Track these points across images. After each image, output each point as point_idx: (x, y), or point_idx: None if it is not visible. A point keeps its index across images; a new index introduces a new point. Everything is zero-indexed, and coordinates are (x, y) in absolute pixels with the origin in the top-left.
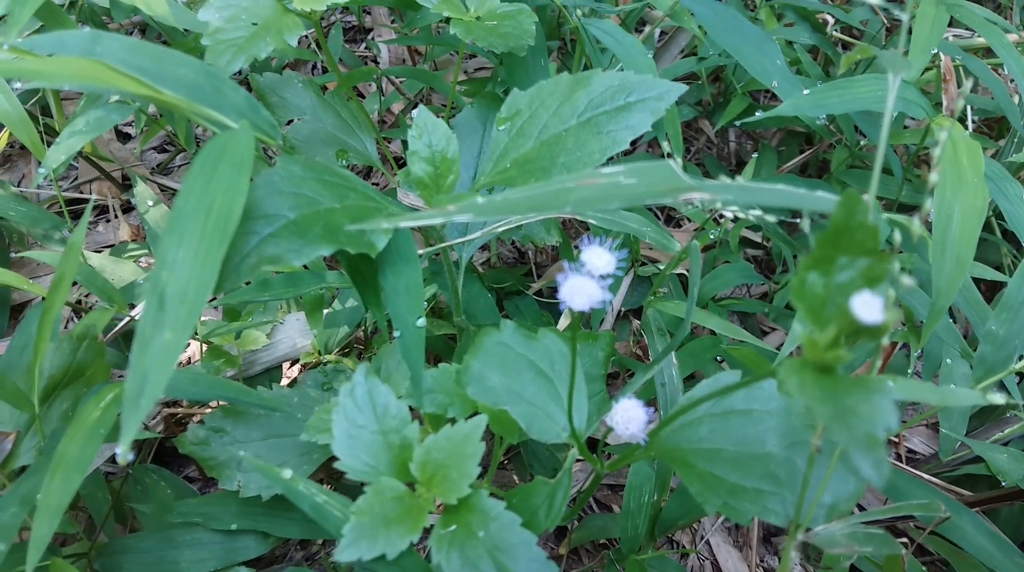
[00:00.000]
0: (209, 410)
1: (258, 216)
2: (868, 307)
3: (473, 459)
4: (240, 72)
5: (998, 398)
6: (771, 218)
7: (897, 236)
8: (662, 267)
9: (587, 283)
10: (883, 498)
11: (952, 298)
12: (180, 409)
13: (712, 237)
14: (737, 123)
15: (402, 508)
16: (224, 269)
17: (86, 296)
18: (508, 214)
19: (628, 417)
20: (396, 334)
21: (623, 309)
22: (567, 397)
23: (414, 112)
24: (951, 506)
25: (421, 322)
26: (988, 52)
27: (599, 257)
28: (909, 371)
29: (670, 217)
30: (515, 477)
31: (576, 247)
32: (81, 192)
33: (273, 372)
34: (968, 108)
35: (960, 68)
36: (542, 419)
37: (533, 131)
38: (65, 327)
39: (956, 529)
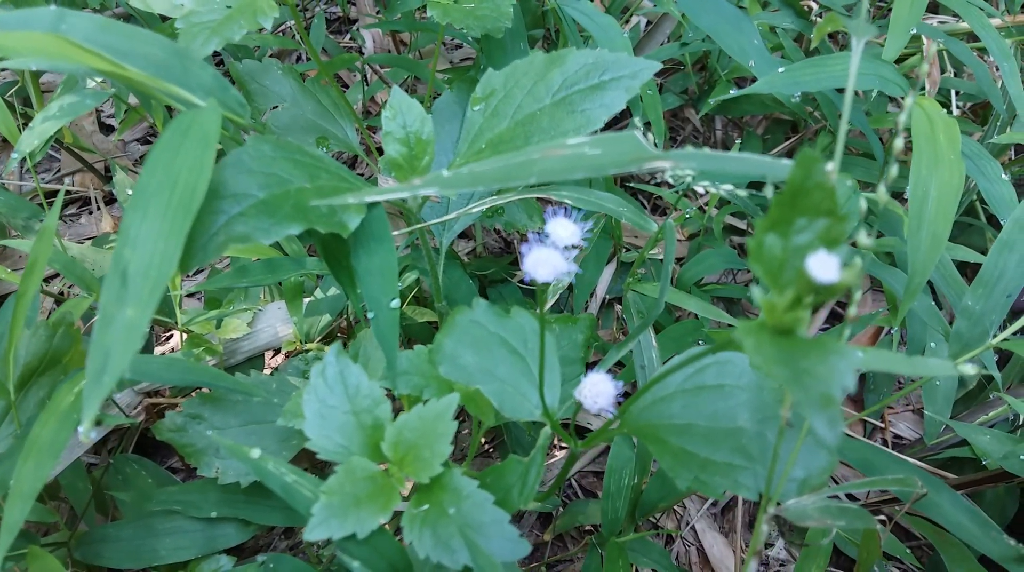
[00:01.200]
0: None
1: (226, 195)
2: (823, 266)
3: (445, 438)
4: (222, 63)
5: (969, 369)
6: (742, 192)
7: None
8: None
9: (552, 254)
10: (862, 477)
11: (928, 275)
12: (162, 399)
13: (688, 215)
14: (711, 101)
15: (374, 487)
16: (191, 247)
17: (69, 287)
18: (473, 186)
19: (596, 391)
20: (370, 316)
21: (607, 297)
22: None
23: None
24: (930, 484)
25: (395, 303)
26: (972, 37)
27: (564, 228)
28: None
29: (656, 206)
30: (498, 462)
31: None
32: (63, 184)
33: (255, 361)
34: (953, 93)
35: (944, 53)
36: (514, 397)
37: (508, 111)
38: (47, 318)
39: (935, 507)
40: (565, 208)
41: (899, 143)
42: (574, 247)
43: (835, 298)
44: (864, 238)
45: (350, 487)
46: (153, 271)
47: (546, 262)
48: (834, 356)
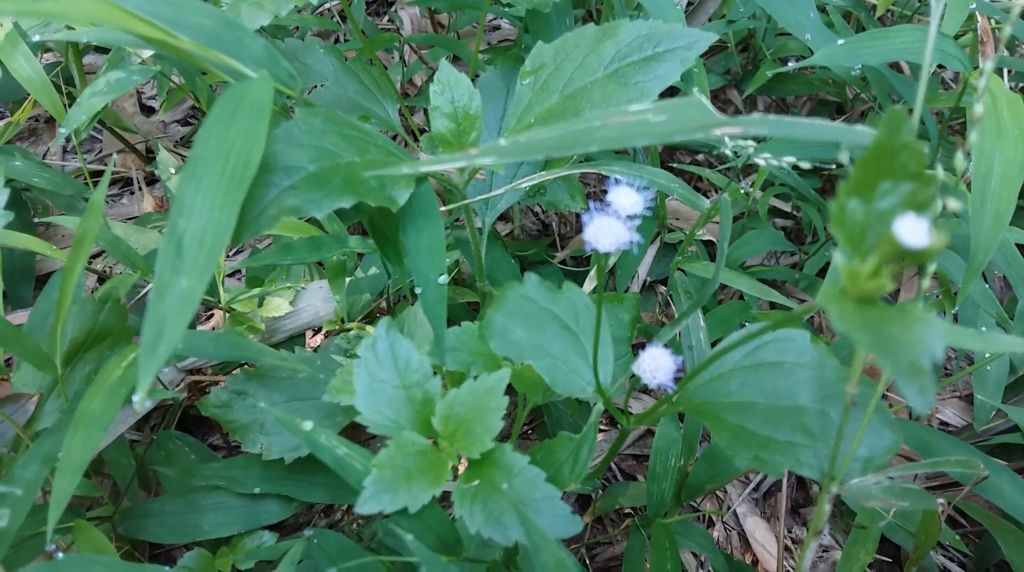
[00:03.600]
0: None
1: (277, 168)
2: (913, 230)
3: (496, 413)
4: (266, 24)
5: None
6: (805, 164)
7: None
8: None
9: (614, 224)
10: (916, 461)
11: (991, 253)
12: (204, 377)
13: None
14: (769, 73)
15: (424, 462)
16: (243, 220)
17: (113, 265)
18: (533, 155)
19: (656, 365)
20: (418, 291)
21: (649, 279)
22: (592, 351)
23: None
24: (990, 466)
25: (443, 279)
26: None
27: (626, 197)
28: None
29: (697, 188)
30: (538, 443)
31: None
32: (105, 164)
33: (296, 340)
34: (1005, 72)
35: (997, 30)
36: (566, 373)
37: (558, 85)
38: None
39: (994, 489)
40: (627, 179)
41: (979, 109)
42: (636, 216)
43: (924, 263)
44: (954, 202)
45: (401, 461)
46: (208, 241)
47: (608, 231)
48: (919, 324)
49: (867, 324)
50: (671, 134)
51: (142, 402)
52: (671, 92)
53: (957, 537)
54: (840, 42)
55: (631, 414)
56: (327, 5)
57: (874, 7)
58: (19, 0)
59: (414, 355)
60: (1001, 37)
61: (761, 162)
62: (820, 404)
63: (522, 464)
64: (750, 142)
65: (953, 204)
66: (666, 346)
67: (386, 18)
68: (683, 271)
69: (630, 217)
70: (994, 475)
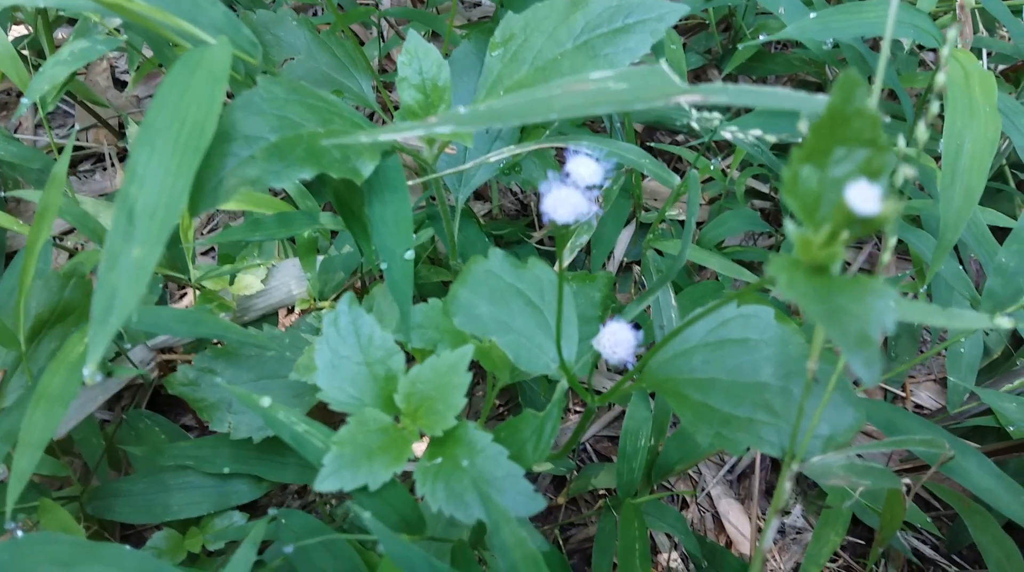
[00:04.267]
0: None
1: (237, 137)
2: (864, 197)
3: (459, 390)
4: (235, 10)
5: (1005, 322)
6: (771, 138)
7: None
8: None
9: (572, 194)
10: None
11: (961, 230)
12: (176, 356)
13: (713, 165)
14: (740, 47)
15: (386, 439)
16: (201, 189)
17: (84, 242)
18: (492, 123)
19: (616, 340)
20: (383, 267)
21: (625, 259)
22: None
23: None
24: (957, 447)
25: (409, 254)
26: None
27: (585, 167)
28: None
29: (676, 169)
30: None
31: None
32: (78, 139)
33: (269, 319)
34: (984, 53)
35: (977, 12)
36: (530, 349)
37: (527, 56)
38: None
39: (961, 471)
40: (587, 149)
41: (941, 78)
42: (596, 187)
43: (877, 231)
44: (909, 170)
45: (362, 438)
46: (161, 210)
47: (566, 202)
48: (871, 295)
49: (816, 293)
50: (632, 102)
51: (92, 376)
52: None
53: (929, 520)
54: (812, 15)
55: (597, 393)
56: None
57: None
58: None
59: (377, 331)
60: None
61: (728, 135)
62: (783, 381)
63: (485, 442)
64: (715, 115)
65: (909, 171)
66: (629, 322)
67: None
68: (659, 252)
69: (589, 187)
70: (961, 456)
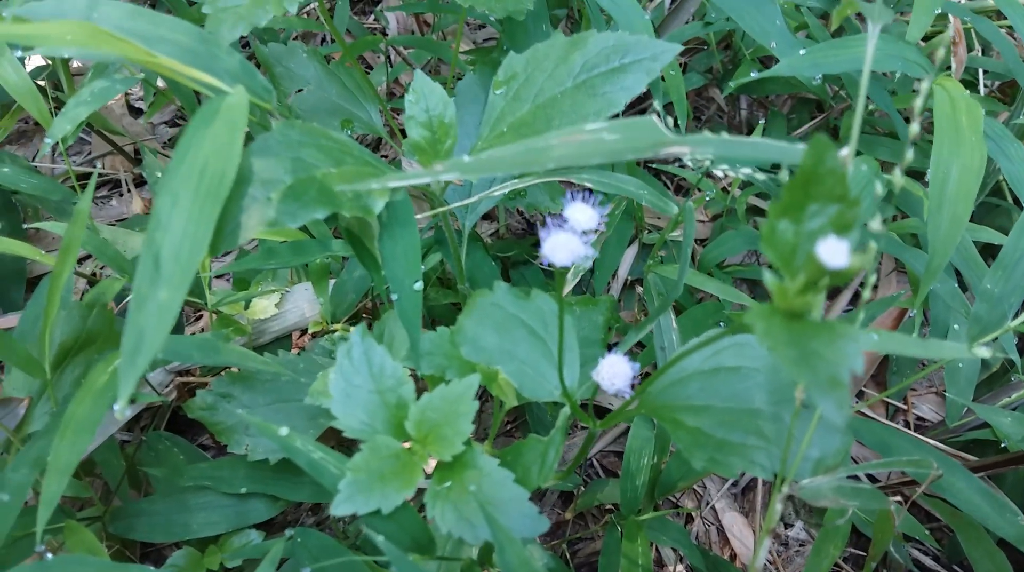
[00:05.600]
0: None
1: (255, 181)
2: (834, 252)
3: (466, 417)
4: (247, 45)
5: (984, 352)
6: (760, 176)
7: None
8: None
9: (570, 239)
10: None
11: (948, 256)
12: (193, 378)
13: (709, 197)
14: (732, 83)
15: (397, 465)
16: (221, 231)
17: (101, 269)
18: (493, 172)
19: (614, 372)
20: (394, 297)
21: (629, 278)
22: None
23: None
24: (946, 465)
25: (418, 286)
26: (999, 14)
27: (582, 212)
28: (915, 337)
29: (679, 186)
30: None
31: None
32: (94, 167)
33: (283, 341)
34: (980, 72)
35: (972, 31)
36: (534, 378)
37: (529, 95)
38: (81, 298)
39: (951, 488)
40: (584, 192)
41: (915, 128)
42: (592, 231)
43: (849, 282)
44: (877, 224)
45: (375, 464)
46: (184, 255)
47: (564, 246)
48: (843, 339)
49: (791, 339)
50: (624, 152)
51: (122, 411)
52: (645, 96)
53: (927, 532)
54: (802, 52)
55: (602, 417)
56: (312, 5)
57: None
58: (6, 26)
59: (388, 361)
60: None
61: (719, 173)
62: (775, 407)
63: (491, 466)
64: (707, 156)
65: (876, 225)
66: (630, 352)
67: (372, 17)
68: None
69: (585, 232)
70: (950, 474)
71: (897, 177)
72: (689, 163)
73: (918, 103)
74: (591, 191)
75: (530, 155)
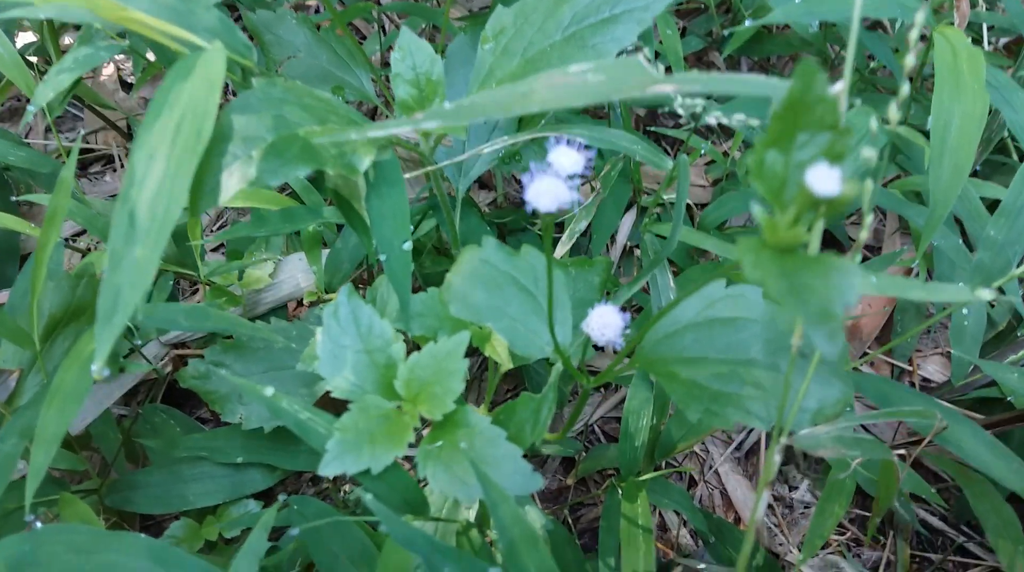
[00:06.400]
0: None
1: (235, 138)
2: (824, 179)
3: (456, 375)
4: (239, 18)
5: (987, 294)
6: (755, 122)
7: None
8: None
9: (554, 183)
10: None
11: (950, 206)
12: (188, 350)
13: (703, 151)
14: (728, 32)
15: (387, 425)
16: (200, 190)
17: (97, 244)
18: (475, 117)
19: (604, 322)
20: (382, 258)
21: (628, 243)
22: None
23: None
24: (950, 417)
25: (407, 246)
26: None
27: (566, 156)
28: None
29: (677, 151)
30: None
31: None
32: (87, 142)
33: (278, 312)
34: (985, 28)
35: None
36: (525, 335)
37: (518, 49)
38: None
39: (957, 442)
40: (568, 140)
41: (910, 60)
42: (578, 176)
43: (839, 214)
44: (869, 151)
45: (364, 424)
46: (160, 211)
47: (548, 191)
48: (835, 272)
49: (782, 272)
50: (609, 93)
51: (100, 371)
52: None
53: (934, 491)
54: (797, 0)
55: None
56: None
57: None
58: None
59: (376, 320)
60: None
61: (712, 120)
62: (771, 357)
63: (483, 424)
64: (698, 100)
65: (867, 153)
66: (624, 311)
67: None
68: (661, 235)
69: (570, 176)
70: (956, 427)
71: (893, 112)
72: (680, 110)
73: (913, 35)
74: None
75: (513, 98)
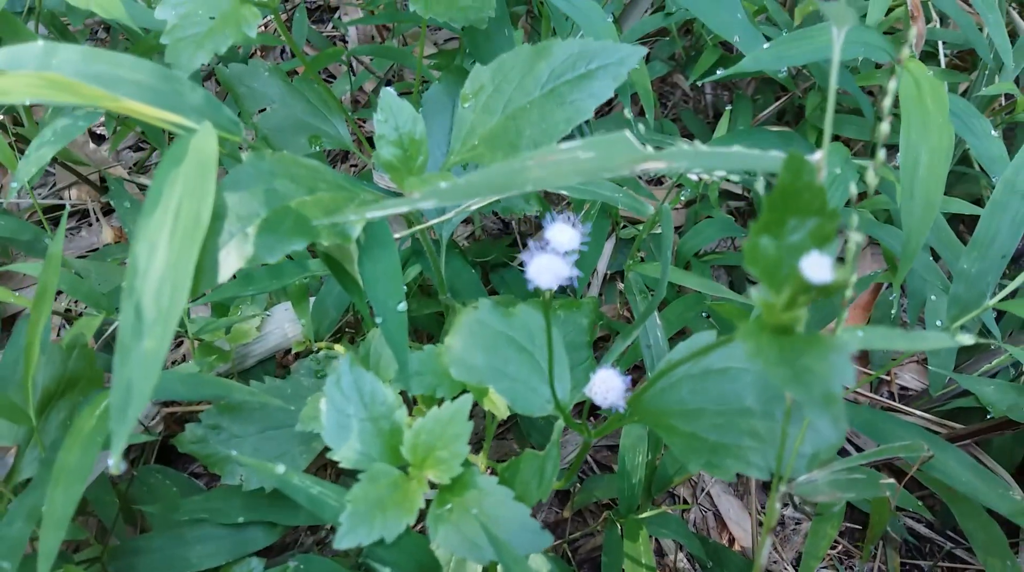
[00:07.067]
0: (208, 406)
1: (230, 216)
2: (817, 267)
3: (462, 439)
4: (209, 68)
5: (966, 339)
6: (735, 177)
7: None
8: (641, 228)
9: (553, 261)
10: (867, 439)
11: (923, 239)
12: (179, 408)
13: (686, 193)
14: (699, 82)
15: (397, 492)
16: (200, 272)
17: (75, 302)
18: (471, 198)
19: (607, 387)
20: (378, 320)
21: (609, 272)
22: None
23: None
24: (935, 444)
25: (402, 307)
26: None
27: (563, 234)
28: (894, 311)
29: (659, 181)
30: (515, 445)
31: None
32: (60, 198)
33: (267, 364)
34: (940, 44)
35: (929, 4)
36: (526, 393)
37: (498, 106)
38: (57, 335)
39: (942, 466)
40: (563, 207)
41: (885, 128)
42: (573, 252)
43: (832, 296)
44: (856, 235)
45: (374, 493)
46: (165, 302)
47: (548, 269)
48: (832, 352)
49: (782, 357)
50: (599, 171)
51: (117, 466)
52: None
53: (920, 503)
54: (765, 45)
55: (596, 416)
56: (268, 18)
57: None
58: None
59: (379, 387)
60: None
61: (693, 177)
62: (766, 405)
63: (491, 486)
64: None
65: (856, 237)
66: (614, 366)
67: (330, 25)
68: None
69: (567, 253)
70: (940, 452)
71: (871, 177)
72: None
73: (887, 103)
74: (568, 203)
75: (507, 178)
